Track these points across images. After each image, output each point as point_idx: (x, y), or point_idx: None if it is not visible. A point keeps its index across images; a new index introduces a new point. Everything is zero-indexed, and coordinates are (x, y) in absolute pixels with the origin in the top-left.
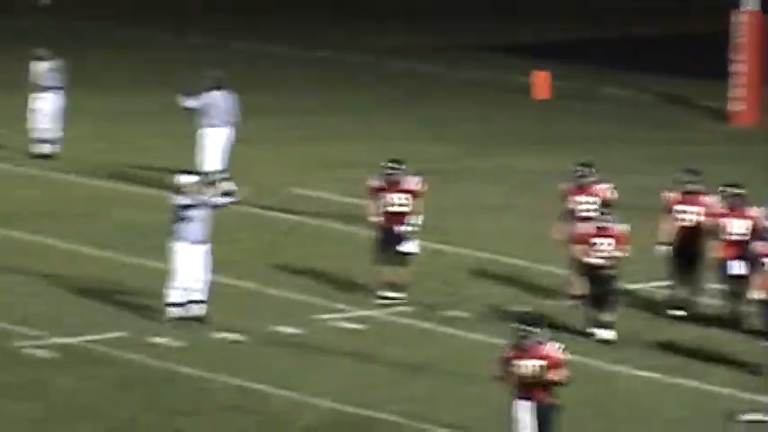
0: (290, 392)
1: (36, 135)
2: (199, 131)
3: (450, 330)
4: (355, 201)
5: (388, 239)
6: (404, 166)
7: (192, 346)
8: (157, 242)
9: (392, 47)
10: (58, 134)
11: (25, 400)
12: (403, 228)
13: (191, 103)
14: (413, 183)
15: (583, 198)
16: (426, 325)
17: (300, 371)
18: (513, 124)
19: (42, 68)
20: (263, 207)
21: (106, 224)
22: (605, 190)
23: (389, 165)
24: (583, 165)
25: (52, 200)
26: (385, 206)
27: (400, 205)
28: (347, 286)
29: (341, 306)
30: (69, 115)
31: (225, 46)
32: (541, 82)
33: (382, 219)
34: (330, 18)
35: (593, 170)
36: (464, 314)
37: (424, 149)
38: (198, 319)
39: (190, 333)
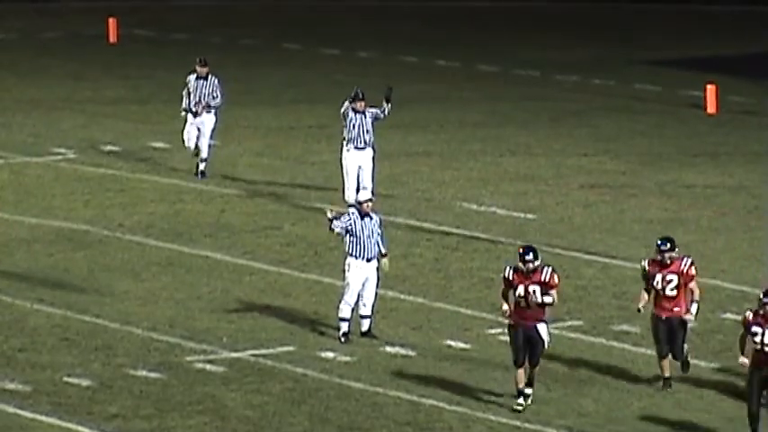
0: (461, 407)
1: (193, 152)
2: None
3: (620, 345)
4: (527, 215)
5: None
6: (539, 261)
7: (363, 360)
8: (329, 258)
9: (559, 60)
10: (209, 152)
11: (195, 415)
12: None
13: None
14: (547, 274)
15: (665, 275)
16: (595, 339)
17: (471, 385)
18: (684, 139)
19: (200, 86)
20: (432, 222)
21: (277, 240)
22: (689, 267)
23: (524, 257)
24: (666, 240)
25: (222, 215)
26: (517, 299)
27: (534, 301)
28: None
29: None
30: (240, 131)
31: (392, 59)
32: (712, 96)
33: (512, 313)
34: (496, 32)
35: (675, 245)
36: (633, 329)
37: (596, 163)
38: (365, 333)
39: (360, 348)
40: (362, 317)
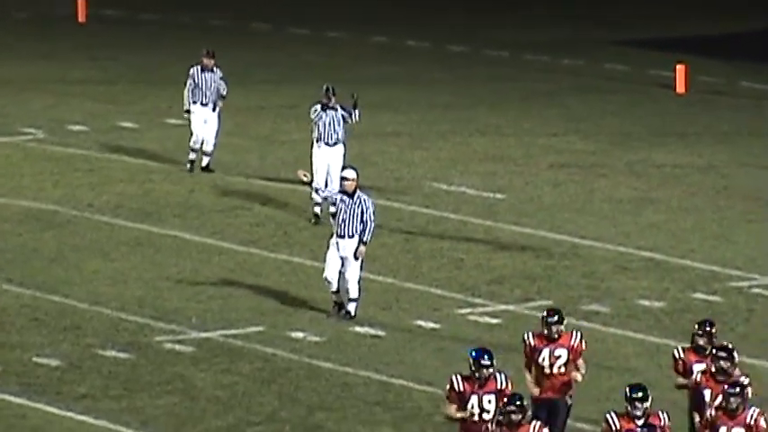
0: (431, 387)
1: (201, 148)
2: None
3: (589, 325)
4: (496, 195)
5: None
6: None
7: (332, 340)
8: (298, 237)
9: (529, 41)
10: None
11: (165, 395)
12: None
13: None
14: (502, 382)
15: (553, 350)
16: (565, 319)
17: (440, 365)
18: (653, 118)
19: (208, 79)
20: (402, 202)
21: (246, 219)
22: (579, 341)
23: (480, 362)
24: (554, 311)
25: (191, 195)
26: (471, 412)
27: (487, 411)
28: (486, 281)
29: (480, 300)
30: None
31: (361, 40)
32: (681, 76)
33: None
34: (466, 12)
35: (563, 317)
36: (603, 309)
37: (565, 143)
38: (347, 315)
39: (330, 328)
40: (349, 300)
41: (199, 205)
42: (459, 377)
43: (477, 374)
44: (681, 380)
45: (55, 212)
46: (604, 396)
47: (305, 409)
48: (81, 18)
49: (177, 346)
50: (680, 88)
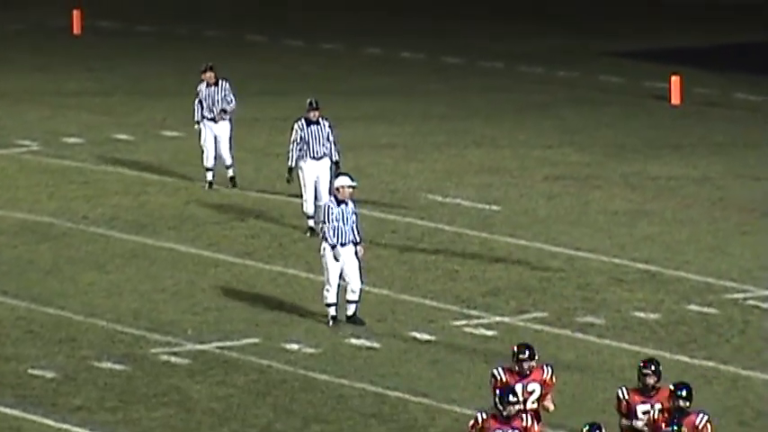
0: (426, 399)
1: (210, 165)
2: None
3: (584, 337)
4: (491, 207)
5: None
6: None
7: (328, 352)
8: (293, 249)
9: (524, 52)
10: (232, 159)
11: (160, 407)
12: None
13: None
14: (528, 421)
15: (526, 386)
16: (560, 331)
17: (436, 377)
18: (648, 130)
19: (212, 93)
20: (397, 214)
21: (242, 231)
22: (551, 375)
23: (507, 398)
24: (525, 347)
25: (186, 207)
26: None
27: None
28: (481, 292)
29: (475, 312)
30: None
31: (356, 52)
32: (676, 88)
33: None
34: (461, 23)
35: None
36: (598, 320)
37: (560, 155)
38: (350, 318)
39: (325, 339)
40: (348, 302)
41: (194, 217)
42: (483, 413)
43: (503, 411)
44: (624, 421)
45: (50, 224)
46: (599, 408)
47: (300, 421)
48: (76, 30)
49: (173, 358)
50: (675, 100)
